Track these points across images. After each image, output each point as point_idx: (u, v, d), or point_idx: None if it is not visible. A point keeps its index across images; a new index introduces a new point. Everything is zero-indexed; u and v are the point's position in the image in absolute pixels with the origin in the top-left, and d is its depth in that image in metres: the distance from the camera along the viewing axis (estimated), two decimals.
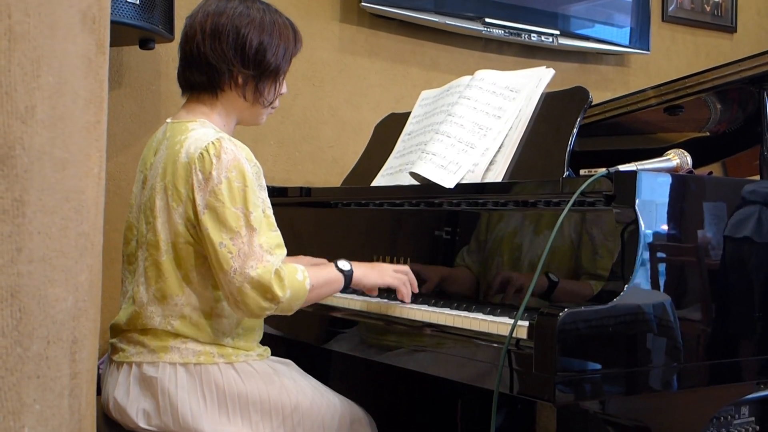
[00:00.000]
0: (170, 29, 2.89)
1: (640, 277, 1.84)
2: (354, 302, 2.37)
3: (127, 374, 2.03)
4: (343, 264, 2.15)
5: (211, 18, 2.12)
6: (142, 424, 1.99)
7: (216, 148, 1.98)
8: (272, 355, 2.19)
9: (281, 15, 2.20)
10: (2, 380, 1.23)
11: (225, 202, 1.95)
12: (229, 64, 2.11)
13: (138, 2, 2.71)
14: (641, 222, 1.85)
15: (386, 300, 2.31)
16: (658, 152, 2.27)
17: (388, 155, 2.77)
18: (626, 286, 1.82)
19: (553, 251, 1.99)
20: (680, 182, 1.98)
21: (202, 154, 1.98)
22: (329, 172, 3.58)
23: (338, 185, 3.11)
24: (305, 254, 2.49)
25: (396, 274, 2.23)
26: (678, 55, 4.58)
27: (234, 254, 1.93)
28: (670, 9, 4.53)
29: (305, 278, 2.01)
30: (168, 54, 3.20)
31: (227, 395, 2.01)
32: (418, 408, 2.96)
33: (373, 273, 2.20)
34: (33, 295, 1.30)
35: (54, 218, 1.36)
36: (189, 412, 1.98)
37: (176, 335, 2.01)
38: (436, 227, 2.39)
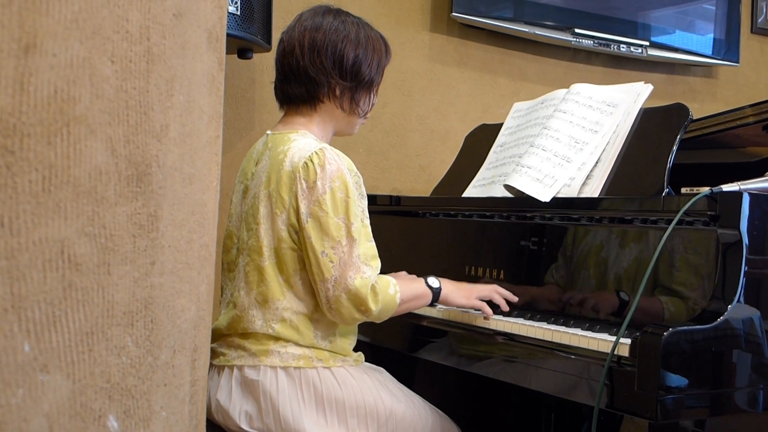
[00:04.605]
0: (268, 39, 2.95)
1: (743, 298, 1.84)
2: (446, 312, 2.40)
3: (228, 377, 2.09)
4: (433, 281, 2.23)
5: (309, 33, 2.18)
6: (245, 426, 2.05)
7: (320, 158, 2.04)
8: None
9: (373, 29, 2.27)
10: (135, 389, 1.29)
11: (328, 211, 2.01)
12: (328, 76, 2.17)
13: (239, 13, 2.77)
14: (746, 243, 1.85)
15: (478, 311, 2.33)
16: (747, 166, 2.25)
17: (479, 166, 2.78)
18: (729, 306, 1.82)
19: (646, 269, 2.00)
20: None
21: (306, 163, 2.04)
22: (416, 180, 3.61)
23: (425, 193, 3.12)
24: (391, 262, 2.50)
25: (482, 294, 2.30)
26: (767, 67, 4.52)
27: (335, 263, 1.99)
28: (759, 21, 4.48)
29: (396, 292, 2.09)
30: (263, 63, 3.25)
31: (325, 399, 2.06)
32: (502, 418, 2.97)
33: (459, 293, 2.27)
34: (163, 306, 1.35)
35: (182, 231, 1.41)
36: (290, 414, 2.03)
37: (277, 339, 2.07)
38: (527, 240, 2.40)
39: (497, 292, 2.31)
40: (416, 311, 2.37)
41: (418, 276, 2.29)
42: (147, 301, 1.31)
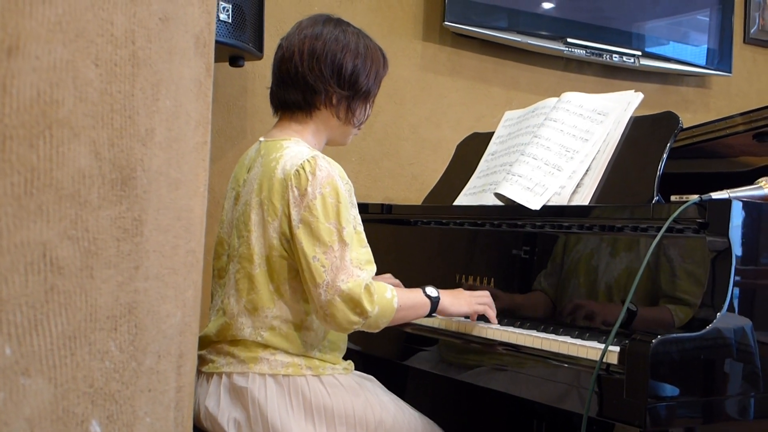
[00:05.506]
0: (260, 47, 2.94)
1: (732, 306, 1.84)
2: (437, 320, 2.39)
3: (217, 384, 2.08)
4: (431, 290, 2.20)
5: (309, 41, 2.18)
6: None
7: (311, 165, 2.03)
8: None
9: (372, 40, 2.28)
10: (119, 394, 1.28)
11: (319, 217, 2.00)
12: (326, 83, 2.17)
13: (230, 21, 2.77)
14: (734, 250, 1.85)
15: (468, 320, 2.33)
16: (738, 176, 2.25)
17: (470, 174, 2.78)
18: (718, 314, 1.82)
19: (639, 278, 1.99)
20: None
21: (298, 171, 2.03)
22: (408, 189, 3.61)
23: (417, 202, 3.12)
24: (382, 270, 2.49)
25: (480, 300, 2.28)
26: (759, 77, 4.53)
27: (327, 268, 1.98)
28: (752, 31, 4.49)
29: (393, 297, 2.06)
30: (255, 71, 3.25)
31: (314, 407, 2.05)
32: (493, 427, 2.96)
33: (458, 301, 2.25)
34: (148, 311, 1.35)
35: (167, 237, 1.41)
36: (278, 421, 2.02)
37: (266, 346, 2.06)
38: (518, 249, 2.40)
39: (490, 298, 2.30)
40: None
41: (415, 286, 2.28)
42: (131, 305, 1.30)
